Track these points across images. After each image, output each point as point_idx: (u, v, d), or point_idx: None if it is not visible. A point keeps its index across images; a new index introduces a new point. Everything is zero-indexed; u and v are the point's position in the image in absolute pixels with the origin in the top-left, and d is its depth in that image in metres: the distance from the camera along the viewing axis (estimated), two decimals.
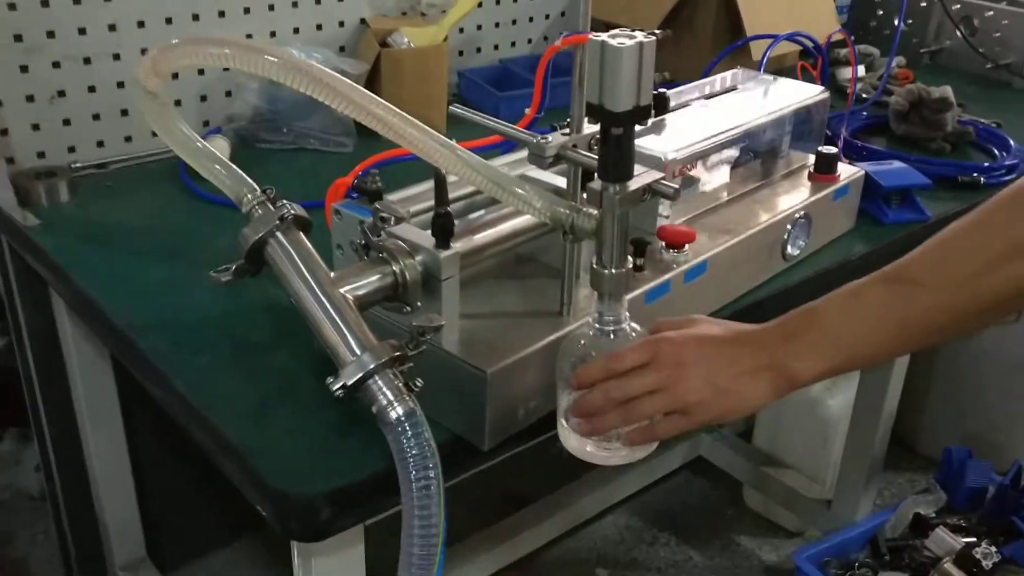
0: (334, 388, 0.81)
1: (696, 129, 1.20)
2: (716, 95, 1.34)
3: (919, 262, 0.88)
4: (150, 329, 1.09)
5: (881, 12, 2.22)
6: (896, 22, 2.14)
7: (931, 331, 0.87)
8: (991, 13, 2.10)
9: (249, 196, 0.88)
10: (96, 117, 1.48)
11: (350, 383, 0.81)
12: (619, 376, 0.87)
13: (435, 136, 0.82)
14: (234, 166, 0.90)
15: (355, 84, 0.80)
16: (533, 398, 0.95)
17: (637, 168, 0.82)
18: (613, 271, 0.84)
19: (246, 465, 0.90)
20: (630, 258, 0.87)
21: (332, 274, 0.86)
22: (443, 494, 0.82)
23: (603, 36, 0.74)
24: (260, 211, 0.86)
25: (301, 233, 0.87)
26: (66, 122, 1.45)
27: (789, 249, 1.25)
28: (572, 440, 0.92)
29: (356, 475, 0.88)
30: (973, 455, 1.87)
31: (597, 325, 0.88)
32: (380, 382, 0.81)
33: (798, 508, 2.02)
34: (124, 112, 1.50)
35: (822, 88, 1.37)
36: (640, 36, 0.74)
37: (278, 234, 0.85)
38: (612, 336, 0.88)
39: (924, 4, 2.16)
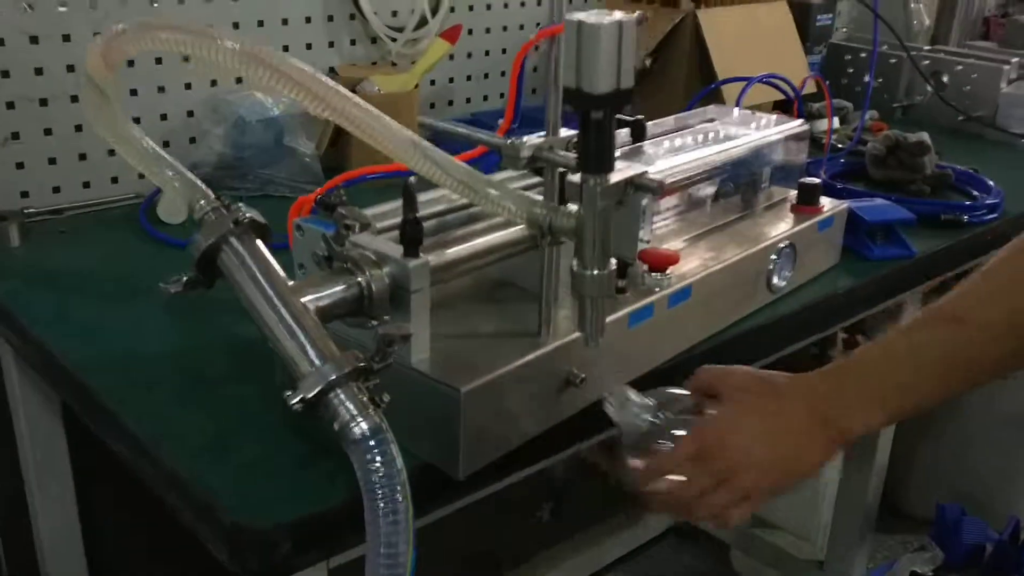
0: (292, 402, 0.74)
1: (676, 155, 1.16)
2: (694, 126, 1.31)
3: (964, 299, 0.85)
4: (100, 368, 1.02)
5: (851, 70, 2.23)
6: (867, 79, 2.14)
7: (980, 370, 0.84)
8: (960, 67, 2.11)
9: (203, 203, 0.82)
10: (52, 161, 1.42)
11: (309, 396, 0.73)
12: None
13: (401, 131, 0.77)
14: (187, 171, 0.84)
15: (316, 73, 0.75)
16: (512, 423, 0.89)
17: (619, 164, 0.77)
18: (596, 272, 0.78)
19: (197, 498, 0.82)
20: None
21: (291, 283, 0.80)
22: (412, 524, 0.74)
23: (580, 15, 0.70)
24: (213, 216, 0.80)
25: (259, 241, 0.81)
26: (19, 165, 1.40)
27: (775, 280, 1.20)
28: None
29: (319, 505, 0.81)
30: (966, 511, 1.80)
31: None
32: (342, 395, 0.74)
33: (789, 570, 1.93)
34: (82, 156, 1.44)
35: (801, 120, 1.35)
36: (619, 15, 0.70)
37: (232, 240, 0.79)
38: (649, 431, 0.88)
39: (894, 61, 2.17)
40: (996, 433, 2.17)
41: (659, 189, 0.77)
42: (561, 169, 0.84)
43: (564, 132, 0.88)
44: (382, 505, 0.73)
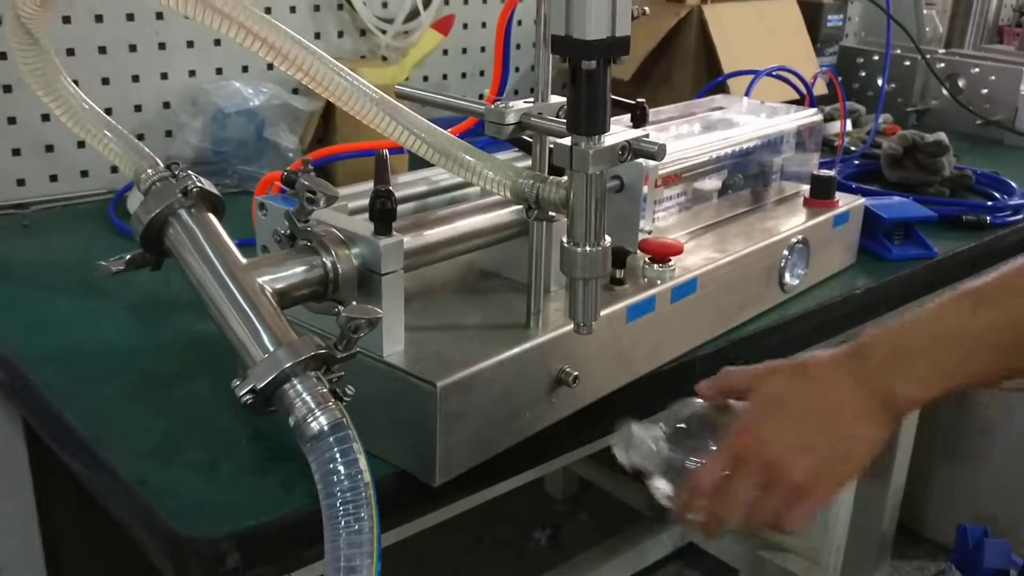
0: (240, 393, 0.65)
1: (681, 141, 1.08)
2: (701, 114, 1.22)
3: None
4: (45, 360, 0.93)
5: (864, 73, 2.15)
6: (879, 82, 2.06)
7: None
8: (977, 70, 2.03)
9: (150, 171, 0.73)
10: (16, 152, 1.34)
11: (260, 386, 0.64)
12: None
13: (362, 86, 0.68)
14: (130, 135, 0.75)
15: (272, 20, 0.67)
16: (495, 424, 0.79)
17: (615, 127, 0.68)
18: (588, 249, 0.68)
19: (140, 504, 0.73)
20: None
21: (246, 262, 0.71)
22: (378, 535, 0.65)
23: None
24: (160, 186, 0.71)
25: (211, 214, 0.72)
26: None
27: (787, 278, 1.11)
28: None
29: (271, 514, 0.71)
30: (989, 533, 1.70)
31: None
32: (299, 386, 0.65)
33: None
34: (49, 148, 1.36)
35: (814, 110, 1.26)
36: None
37: (180, 211, 0.70)
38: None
39: (908, 64, 2.08)
40: (1018, 450, 2.06)
41: (661, 153, 0.67)
42: (551, 139, 0.75)
43: (555, 99, 0.79)
44: (342, 512, 0.63)
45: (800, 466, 0.73)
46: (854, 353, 0.76)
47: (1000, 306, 0.73)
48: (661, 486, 0.79)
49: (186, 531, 0.69)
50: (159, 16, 1.41)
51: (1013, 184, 1.55)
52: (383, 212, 0.73)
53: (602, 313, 0.78)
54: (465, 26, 1.74)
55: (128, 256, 0.73)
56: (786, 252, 1.10)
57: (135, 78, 1.42)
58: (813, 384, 0.75)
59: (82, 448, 0.81)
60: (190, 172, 0.72)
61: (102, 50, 1.37)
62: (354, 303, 0.74)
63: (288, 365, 0.64)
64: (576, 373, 0.83)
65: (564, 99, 0.77)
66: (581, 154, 0.65)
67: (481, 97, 0.80)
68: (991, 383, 0.74)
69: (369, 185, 0.82)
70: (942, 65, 2.06)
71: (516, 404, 0.81)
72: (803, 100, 1.50)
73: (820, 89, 1.79)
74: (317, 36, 1.58)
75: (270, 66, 1.54)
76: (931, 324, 0.75)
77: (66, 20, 1.33)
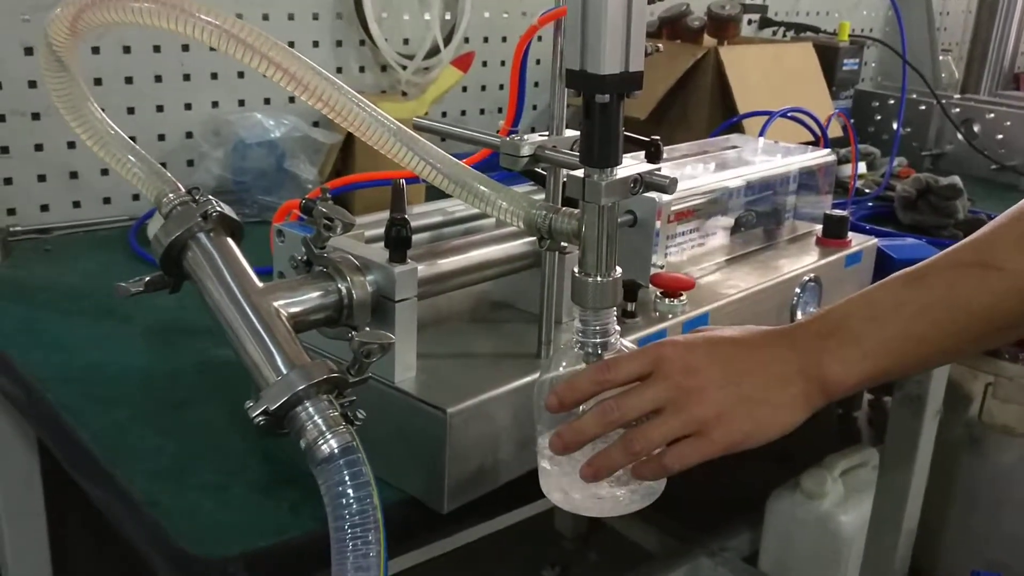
0: (254, 415, 0.65)
1: (694, 177, 1.09)
2: (716, 152, 1.24)
3: (995, 240, 0.73)
4: (62, 381, 0.94)
5: (879, 117, 2.16)
6: (895, 126, 2.07)
7: (1004, 325, 0.72)
8: (992, 116, 2.04)
9: (171, 195, 0.74)
10: (41, 178, 1.36)
11: (273, 408, 0.65)
12: (614, 391, 0.70)
13: (381, 117, 0.70)
14: (153, 160, 0.77)
15: (296, 54, 0.68)
16: (505, 452, 0.80)
17: (627, 160, 0.69)
18: (599, 279, 0.69)
19: (150, 523, 0.74)
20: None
21: (262, 285, 0.72)
22: (385, 559, 0.65)
23: None
24: (181, 210, 0.73)
25: (229, 239, 0.73)
26: (7, 181, 1.34)
27: (799, 315, 1.11)
28: (554, 486, 0.75)
29: (280, 536, 0.72)
30: None
31: (580, 339, 0.73)
32: (311, 408, 0.65)
33: None
34: (73, 174, 1.38)
35: (828, 151, 1.27)
36: None
37: (200, 235, 0.72)
38: (600, 354, 0.72)
39: (923, 108, 2.10)
40: None
41: (672, 186, 0.69)
42: (565, 171, 0.77)
43: (569, 133, 0.80)
44: (350, 534, 0.63)
45: (714, 401, 0.68)
46: (792, 328, 0.75)
47: (936, 282, 0.73)
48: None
49: (196, 551, 0.70)
50: (185, 48, 1.44)
51: None
52: (398, 240, 0.74)
53: None
54: (484, 64, 1.77)
55: (147, 278, 0.74)
56: (798, 290, 1.11)
57: (159, 108, 1.44)
58: (756, 338, 0.73)
59: (95, 468, 0.82)
60: (210, 197, 0.73)
61: (128, 80, 1.40)
62: (367, 329, 0.75)
63: (301, 387, 0.65)
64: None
65: (578, 133, 0.78)
66: (594, 185, 0.67)
67: (496, 131, 0.82)
68: (930, 364, 0.72)
69: (385, 214, 0.84)
70: (957, 110, 2.07)
71: (526, 433, 0.81)
72: (817, 142, 1.52)
73: (835, 131, 1.80)
74: (339, 71, 1.61)
75: (291, 99, 1.57)
76: (863, 302, 0.74)
77: (95, 51, 1.36)
